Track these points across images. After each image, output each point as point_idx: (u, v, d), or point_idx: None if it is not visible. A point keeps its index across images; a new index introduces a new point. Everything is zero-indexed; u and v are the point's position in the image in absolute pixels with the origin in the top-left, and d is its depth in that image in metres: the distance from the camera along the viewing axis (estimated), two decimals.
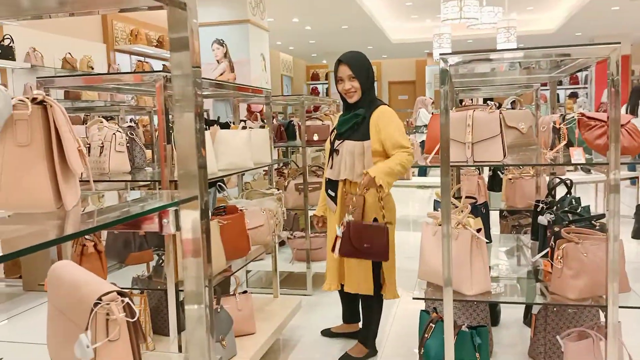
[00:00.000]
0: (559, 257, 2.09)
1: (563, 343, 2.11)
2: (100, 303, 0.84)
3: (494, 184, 4.60)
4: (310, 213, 4.51)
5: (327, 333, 3.47)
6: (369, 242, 2.71)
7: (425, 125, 9.71)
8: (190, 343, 0.94)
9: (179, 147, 0.92)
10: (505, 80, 3.94)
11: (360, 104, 2.92)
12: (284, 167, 5.05)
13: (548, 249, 2.49)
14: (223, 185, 3.37)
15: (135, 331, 0.88)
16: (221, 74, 8.03)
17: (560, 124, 2.45)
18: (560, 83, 16.03)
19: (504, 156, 2.13)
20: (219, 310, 2.67)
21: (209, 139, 2.58)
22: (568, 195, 3.04)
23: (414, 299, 2.19)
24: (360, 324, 3.36)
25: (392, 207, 3.00)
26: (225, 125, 3.21)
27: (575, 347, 2.08)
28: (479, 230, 2.15)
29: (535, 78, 3.47)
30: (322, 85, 17.57)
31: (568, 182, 3.03)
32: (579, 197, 3.07)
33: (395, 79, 17.55)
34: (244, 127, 2.95)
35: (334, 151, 2.95)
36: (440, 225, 2.28)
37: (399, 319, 3.66)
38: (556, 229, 2.36)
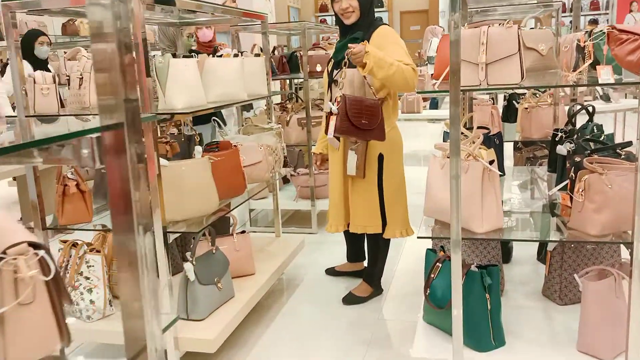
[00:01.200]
0: (580, 190, 1.89)
1: (581, 282, 1.94)
2: (4, 258, 0.67)
3: (509, 114, 4.34)
4: (314, 149, 4.32)
5: (331, 272, 3.35)
6: (367, 118, 2.52)
7: None
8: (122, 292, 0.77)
9: (99, 78, 0.70)
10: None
11: (358, 26, 2.64)
12: (288, 102, 4.81)
13: (567, 181, 2.29)
14: (219, 120, 3.16)
15: (57, 290, 0.71)
16: (224, 3, 7.64)
17: (585, 42, 2.18)
18: (580, 9, 15.23)
19: (522, 77, 1.89)
20: (214, 251, 2.52)
21: (196, 69, 2.35)
22: (590, 123, 2.80)
23: (418, 237, 2.02)
24: (365, 263, 3.23)
25: (398, 140, 2.79)
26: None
27: (595, 287, 1.91)
28: (491, 162, 1.95)
29: None
30: (330, 17, 16.93)
31: (590, 108, 2.78)
32: (601, 125, 2.83)
33: (407, 8, 16.81)
34: (236, 55, 2.71)
35: (332, 82, 2.71)
36: (448, 157, 2.07)
37: (406, 256, 3.52)
38: (577, 159, 2.14)
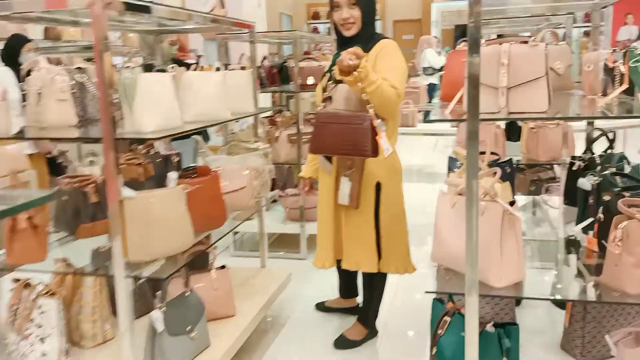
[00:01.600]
0: (617, 239, 1.60)
1: (616, 347, 1.65)
2: None
3: (511, 132, 4.08)
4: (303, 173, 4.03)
5: (321, 308, 3.05)
6: None
7: (432, 67, 9.02)
8: None
9: None
10: (528, 10, 3.31)
11: (359, 38, 2.35)
12: (278, 115, 4.51)
13: (591, 220, 2.01)
14: (199, 138, 2.85)
15: None
16: (212, 10, 7.36)
17: (615, 62, 1.90)
18: (574, 20, 15.11)
19: (549, 104, 1.61)
20: (187, 294, 2.21)
21: (170, 85, 2.04)
22: (612, 151, 2.52)
23: (426, 292, 1.72)
24: (359, 299, 2.93)
25: (397, 166, 2.50)
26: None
27: (633, 354, 1.62)
28: (512, 204, 1.66)
29: (569, 6, 2.85)
30: (323, 24, 16.69)
31: (610, 134, 2.51)
32: (622, 153, 2.55)
33: (401, 17, 16.63)
34: (218, 69, 2.41)
35: (327, 98, 2.41)
36: (460, 195, 1.79)
37: (404, 291, 3.22)
38: (606, 197, 1.86)
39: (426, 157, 7.63)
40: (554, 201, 3.62)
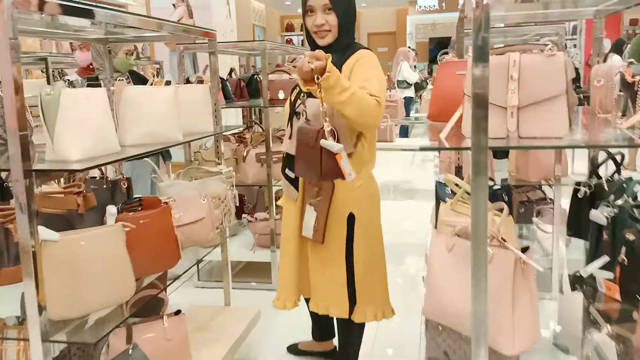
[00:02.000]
0: None
1: None
2: None
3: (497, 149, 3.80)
4: (275, 189, 3.69)
5: (294, 350, 2.69)
6: None
7: (405, 81, 8.78)
8: None
9: None
10: (505, 19, 3.03)
11: (334, 48, 2.02)
12: (247, 131, 4.16)
13: (608, 260, 1.72)
14: (150, 161, 2.49)
15: None
16: (179, 19, 6.99)
17: (634, 76, 1.61)
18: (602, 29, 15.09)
19: (570, 127, 1.30)
20: (130, 351, 1.84)
21: (104, 102, 1.68)
22: (617, 175, 2.24)
23: None
24: (335, 341, 2.59)
25: (374, 195, 2.17)
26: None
27: None
28: (524, 250, 1.34)
29: (566, 13, 2.58)
30: (297, 36, 16.46)
31: (618, 156, 2.22)
32: (631, 178, 2.27)
33: (375, 30, 16.49)
34: (168, 82, 2.05)
35: (294, 114, 2.08)
36: (458, 235, 1.47)
37: (387, 332, 2.87)
38: (629, 236, 1.56)
39: (403, 173, 7.36)
40: (546, 225, 3.36)
